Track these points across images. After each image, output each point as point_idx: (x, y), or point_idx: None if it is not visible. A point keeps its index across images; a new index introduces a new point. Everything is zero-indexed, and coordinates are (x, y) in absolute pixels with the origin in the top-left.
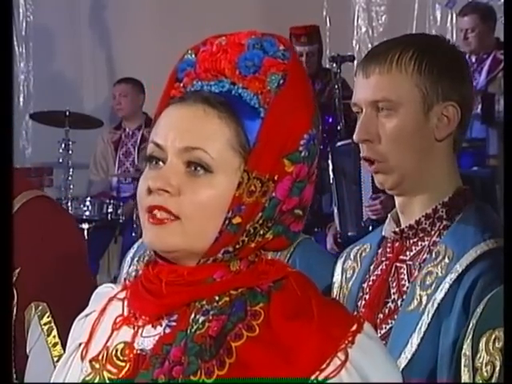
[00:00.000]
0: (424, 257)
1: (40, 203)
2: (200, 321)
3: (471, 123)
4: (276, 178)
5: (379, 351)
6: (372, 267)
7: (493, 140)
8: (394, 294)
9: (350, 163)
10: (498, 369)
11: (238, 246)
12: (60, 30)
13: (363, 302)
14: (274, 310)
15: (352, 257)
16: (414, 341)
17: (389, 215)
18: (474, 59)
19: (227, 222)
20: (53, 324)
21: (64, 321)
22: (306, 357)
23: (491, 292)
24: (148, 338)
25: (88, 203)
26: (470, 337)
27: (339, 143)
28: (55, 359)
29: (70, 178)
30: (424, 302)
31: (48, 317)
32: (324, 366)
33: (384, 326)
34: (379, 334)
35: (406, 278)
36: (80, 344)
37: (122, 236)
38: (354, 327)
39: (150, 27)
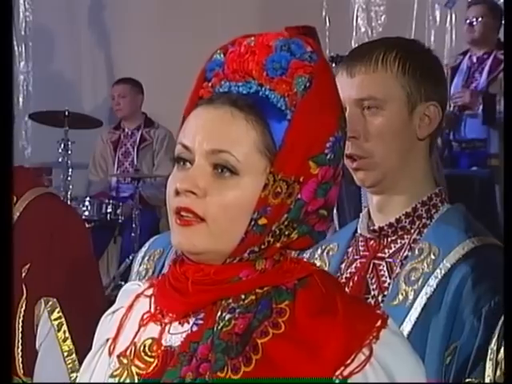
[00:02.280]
0: (405, 254)
1: (49, 200)
2: (226, 318)
3: (472, 123)
4: (301, 179)
5: (403, 347)
6: (343, 265)
7: (494, 140)
8: (373, 290)
9: None
10: None
11: (263, 246)
12: (59, 31)
13: None
14: (300, 307)
15: (317, 257)
16: (403, 333)
17: (361, 214)
18: (474, 59)
19: (253, 223)
20: (63, 319)
21: (73, 316)
22: (331, 352)
23: (482, 287)
24: (175, 335)
25: (87, 203)
26: (497, 332)
27: None
28: (65, 354)
29: (69, 178)
30: (410, 297)
31: (58, 312)
32: (349, 361)
33: None
34: None
35: (386, 274)
36: (107, 339)
37: (121, 236)
38: (379, 323)
39: (149, 28)
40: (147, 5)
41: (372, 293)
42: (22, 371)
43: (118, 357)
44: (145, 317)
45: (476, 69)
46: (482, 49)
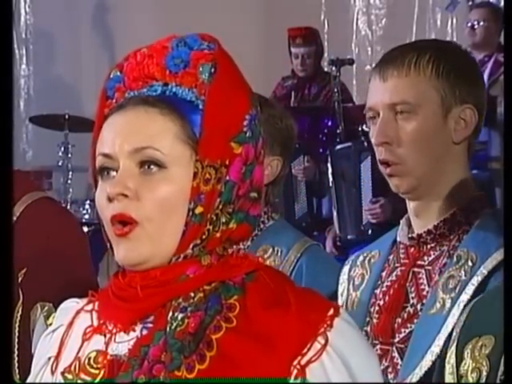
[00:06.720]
0: (444, 261)
1: (45, 204)
2: (179, 318)
3: None
4: (227, 162)
5: (356, 334)
6: (384, 273)
7: (495, 142)
8: (412, 298)
9: (350, 166)
10: (484, 374)
11: (204, 237)
12: (60, 34)
13: (377, 308)
14: (251, 300)
15: (359, 264)
16: (440, 342)
17: (401, 221)
18: None
19: (191, 213)
20: None
21: None
22: (287, 343)
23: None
24: (122, 343)
25: (87, 206)
26: (455, 345)
27: (338, 146)
28: None
29: (69, 181)
30: (448, 305)
31: (54, 317)
32: (305, 350)
33: (403, 329)
34: (398, 338)
35: (425, 282)
36: (49, 358)
37: None
38: (331, 311)
39: (151, 30)
40: (149, 8)
41: (411, 301)
42: (17, 376)
43: (63, 373)
44: (87, 331)
45: None
46: (482, 52)
